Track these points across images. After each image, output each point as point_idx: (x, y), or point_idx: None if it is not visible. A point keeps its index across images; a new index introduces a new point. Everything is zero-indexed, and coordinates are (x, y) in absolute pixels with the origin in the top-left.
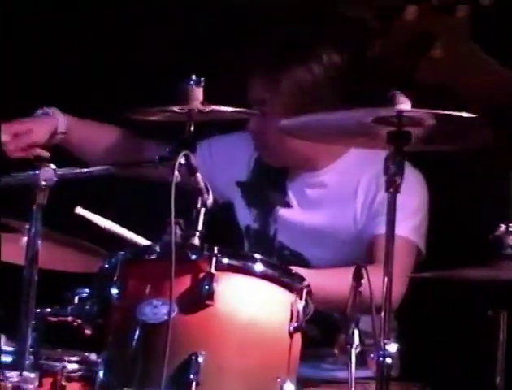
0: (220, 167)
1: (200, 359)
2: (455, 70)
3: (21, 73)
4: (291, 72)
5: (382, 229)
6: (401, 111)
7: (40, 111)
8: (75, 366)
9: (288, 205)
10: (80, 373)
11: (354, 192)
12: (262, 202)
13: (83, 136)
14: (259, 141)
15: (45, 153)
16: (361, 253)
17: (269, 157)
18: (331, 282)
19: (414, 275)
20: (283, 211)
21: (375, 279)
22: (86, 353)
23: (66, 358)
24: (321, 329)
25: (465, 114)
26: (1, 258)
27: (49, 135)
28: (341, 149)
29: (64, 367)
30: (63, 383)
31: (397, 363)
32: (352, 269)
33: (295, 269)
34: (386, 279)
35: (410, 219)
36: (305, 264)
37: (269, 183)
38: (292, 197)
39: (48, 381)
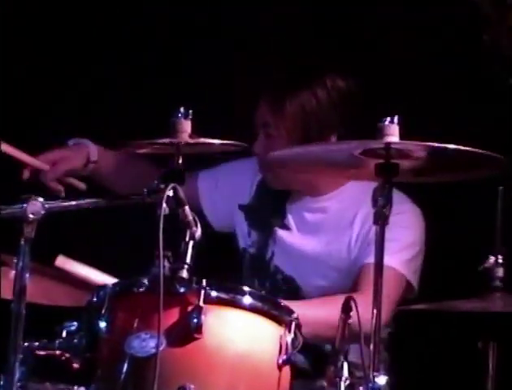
0: (225, 195)
1: None
2: None
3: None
4: (295, 96)
5: (371, 259)
6: (388, 143)
7: (72, 141)
8: None
9: (286, 227)
10: None
11: (352, 221)
12: (262, 224)
13: (112, 166)
14: (263, 164)
15: (82, 185)
16: (352, 282)
17: (273, 180)
18: (320, 314)
19: (404, 307)
20: (281, 233)
21: (363, 306)
22: (75, 387)
23: None
24: (310, 360)
25: (460, 148)
26: None
27: (83, 163)
28: (337, 183)
29: None
30: None
31: None
32: (340, 299)
33: (284, 302)
34: (375, 310)
35: (403, 252)
36: (296, 290)
37: (269, 205)
38: (291, 220)
39: None
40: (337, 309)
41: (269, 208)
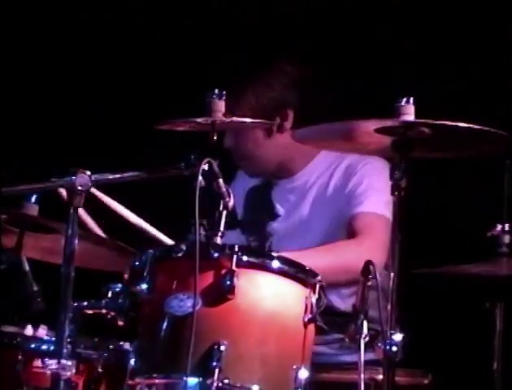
0: None
1: (222, 348)
2: None
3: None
4: (247, 88)
5: (359, 208)
6: (404, 122)
7: None
8: (110, 355)
9: (277, 216)
10: (114, 361)
11: (327, 186)
12: (258, 229)
13: None
14: (236, 155)
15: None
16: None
17: (248, 168)
18: (323, 262)
19: (419, 270)
20: (274, 224)
21: (358, 249)
22: (120, 343)
23: (103, 347)
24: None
25: (471, 126)
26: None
27: None
28: (313, 152)
29: (101, 356)
30: (100, 370)
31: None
32: (340, 246)
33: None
34: (392, 274)
35: (382, 197)
36: None
37: (259, 208)
38: (279, 207)
39: (86, 368)
40: (337, 256)
41: (259, 211)
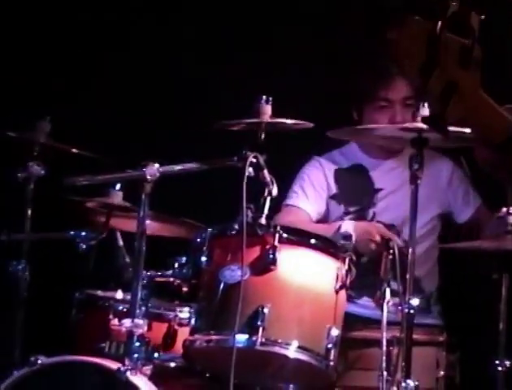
0: (315, 198)
1: (265, 310)
2: None
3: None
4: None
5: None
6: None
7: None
8: (184, 315)
9: (379, 190)
10: (188, 320)
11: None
12: (355, 199)
13: None
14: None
15: None
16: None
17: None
18: None
19: (441, 245)
20: (378, 197)
21: None
22: (184, 305)
23: (178, 308)
24: None
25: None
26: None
27: None
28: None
29: (176, 315)
30: (176, 328)
31: None
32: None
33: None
34: (410, 249)
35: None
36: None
37: (354, 183)
38: (379, 183)
39: (164, 326)
40: None
41: (355, 185)
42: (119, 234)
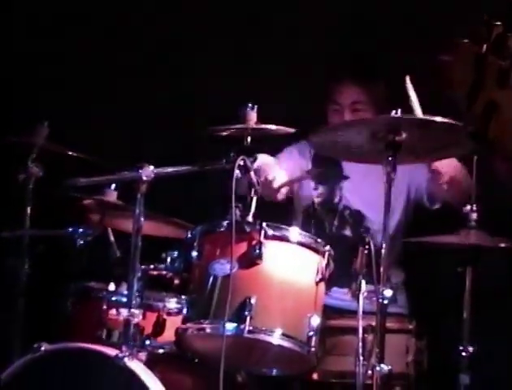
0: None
1: (252, 301)
2: None
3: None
4: (383, 79)
5: None
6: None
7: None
8: (172, 305)
9: (347, 177)
10: (176, 310)
11: None
12: (327, 180)
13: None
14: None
15: None
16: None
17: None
18: None
19: (406, 239)
20: (345, 183)
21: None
22: (182, 296)
23: (167, 299)
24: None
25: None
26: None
27: None
28: None
29: (165, 306)
30: (164, 317)
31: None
32: None
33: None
34: (384, 244)
35: None
36: (361, 220)
37: (328, 165)
38: (349, 170)
39: (154, 315)
40: None
41: (328, 168)
42: (110, 231)
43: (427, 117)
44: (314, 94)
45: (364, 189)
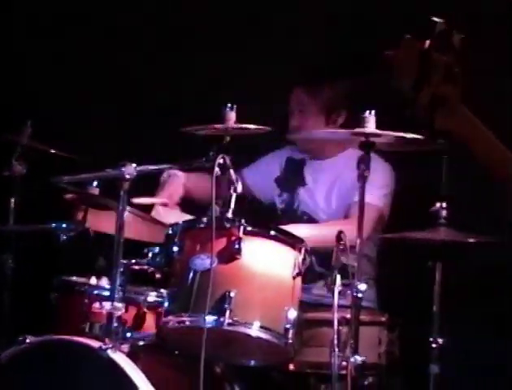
0: (266, 178)
1: (232, 294)
2: None
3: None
4: (324, 87)
5: (356, 198)
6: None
7: (166, 173)
8: (152, 299)
9: (305, 184)
10: (156, 303)
11: (340, 174)
12: (290, 187)
13: (195, 185)
14: (298, 134)
15: None
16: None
17: (302, 144)
18: (324, 232)
19: (381, 235)
20: (303, 190)
21: (347, 227)
22: (161, 290)
23: (147, 293)
24: (324, 266)
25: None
26: (101, 229)
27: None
28: (342, 147)
29: (146, 299)
30: (145, 310)
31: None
32: (335, 223)
33: (301, 226)
34: (358, 240)
35: (378, 191)
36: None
37: (294, 174)
38: (308, 178)
39: (134, 309)
40: (332, 230)
41: (294, 176)
42: (90, 227)
43: (399, 134)
44: None
45: (313, 197)
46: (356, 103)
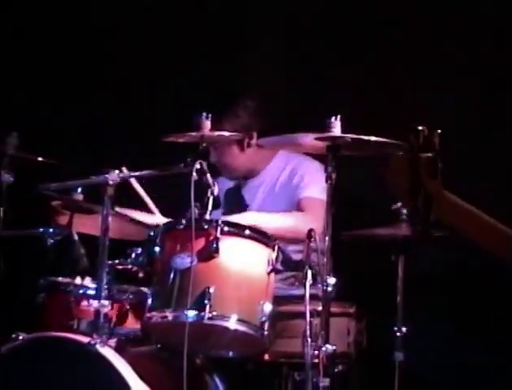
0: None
1: (211, 291)
2: None
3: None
4: (224, 120)
5: (303, 195)
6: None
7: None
8: (134, 296)
9: (246, 206)
10: (137, 301)
11: (275, 183)
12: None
13: None
14: (219, 166)
15: None
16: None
17: (228, 173)
18: (280, 222)
19: (346, 233)
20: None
21: (304, 218)
22: (142, 288)
23: (129, 291)
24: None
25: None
26: (86, 231)
27: None
28: (269, 157)
29: (128, 297)
30: (127, 307)
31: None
32: (290, 214)
33: (260, 214)
34: (327, 238)
35: (319, 185)
36: None
37: (233, 200)
38: (247, 200)
39: (117, 306)
40: (289, 220)
41: (234, 203)
42: (74, 230)
43: (362, 137)
44: (314, 94)
45: (266, 207)
46: (263, 117)
